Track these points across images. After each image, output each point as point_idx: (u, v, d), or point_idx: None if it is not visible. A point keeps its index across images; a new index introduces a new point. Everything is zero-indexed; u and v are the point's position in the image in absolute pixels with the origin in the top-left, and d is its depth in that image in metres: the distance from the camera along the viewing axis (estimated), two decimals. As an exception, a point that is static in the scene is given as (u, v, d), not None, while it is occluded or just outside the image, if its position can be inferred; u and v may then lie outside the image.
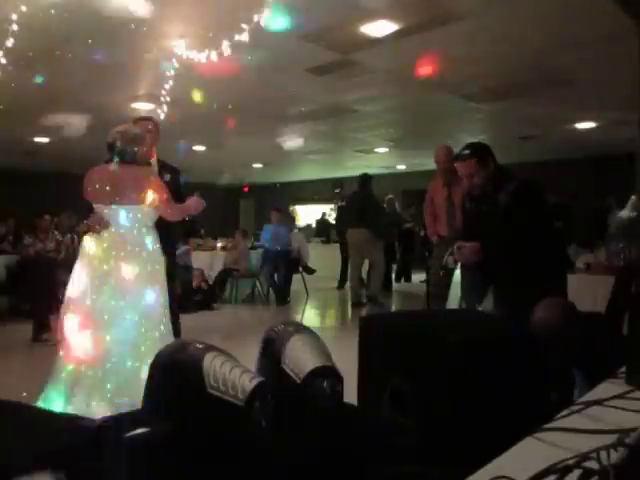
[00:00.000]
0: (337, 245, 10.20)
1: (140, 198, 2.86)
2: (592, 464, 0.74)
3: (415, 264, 10.84)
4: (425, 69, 5.43)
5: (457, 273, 4.58)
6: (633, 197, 8.33)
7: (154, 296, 2.88)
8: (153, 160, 3.60)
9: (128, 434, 1.27)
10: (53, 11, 3.82)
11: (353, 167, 13.21)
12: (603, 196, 8.71)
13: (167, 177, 3.53)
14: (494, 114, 7.49)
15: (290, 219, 10.14)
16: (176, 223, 3.36)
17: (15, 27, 3.67)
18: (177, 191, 3.43)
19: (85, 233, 2.98)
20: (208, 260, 8.66)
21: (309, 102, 6.88)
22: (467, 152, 2.87)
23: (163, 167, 3.66)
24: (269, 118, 7.71)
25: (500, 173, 2.88)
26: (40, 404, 2.66)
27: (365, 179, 7.98)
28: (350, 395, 1.77)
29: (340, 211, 9.40)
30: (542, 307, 2.15)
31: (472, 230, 3.01)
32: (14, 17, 3.62)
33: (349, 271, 8.43)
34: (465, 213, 3.20)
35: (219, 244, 9.34)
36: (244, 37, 3.79)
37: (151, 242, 2.94)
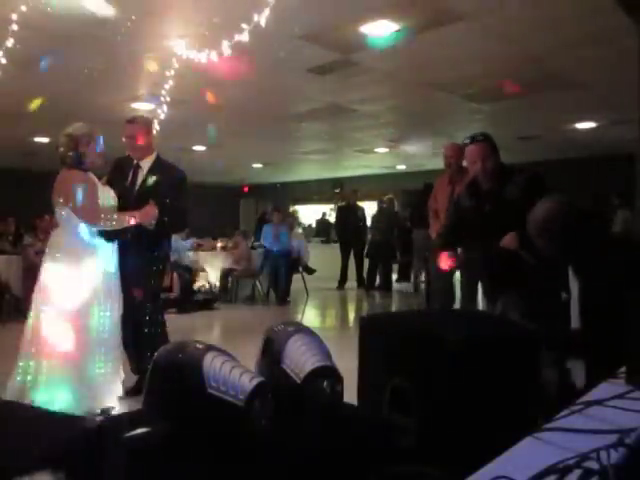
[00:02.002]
0: (337, 245, 10.22)
1: (55, 202, 3.06)
2: (592, 464, 0.74)
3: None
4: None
5: (457, 273, 4.58)
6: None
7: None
8: (147, 160, 3.46)
9: (128, 434, 1.27)
10: (52, 11, 3.83)
11: (353, 167, 13.22)
12: (604, 196, 8.73)
13: (152, 179, 3.37)
14: (494, 114, 7.49)
15: (294, 222, 10.07)
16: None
17: (15, 27, 3.67)
18: (168, 192, 3.31)
19: None
20: (208, 260, 8.67)
21: (309, 102, 6.88)
22: (481, 137, 2.84)
23: (154, 168, 3.45)
24: (269, 118, 7.71)
25: (504, 170, 2.86)
26: None
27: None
28: (350, 395, 1.77)
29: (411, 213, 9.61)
30: (539, 205, 2.17)
31: (471, 228, 2.95)
32: (14, 17, 3.62)
33: (415, 266, 9.12)
34: (460, 209, 3.08)
35: (219, 244, 9.35)
36: (244, 37, 3.78)
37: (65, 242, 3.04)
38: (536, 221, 2.13)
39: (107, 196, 3.17)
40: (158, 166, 3.47)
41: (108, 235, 3.10)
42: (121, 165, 3.55)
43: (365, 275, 9.72)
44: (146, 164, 3.46)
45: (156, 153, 3.53)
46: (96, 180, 3.16)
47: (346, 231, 9.85)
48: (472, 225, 2.98)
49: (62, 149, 3.08)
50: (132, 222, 3.13)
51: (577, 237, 2.07)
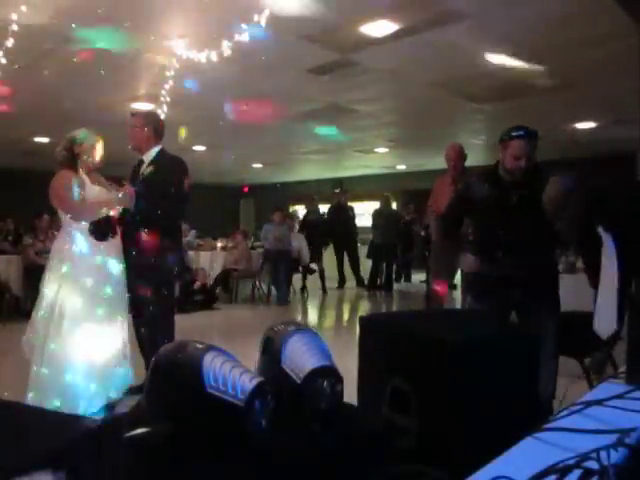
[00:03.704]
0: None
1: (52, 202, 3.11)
2: (592, 464, 0.74)
3: (415, 264, 10.83)
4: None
5: (457, 274, 4.58)
6: None
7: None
8: (149, 153, 3.52)
9: (128, 434, 1.27)
10: (53, 11, 3.83)
11: (353, 167, 13.21)
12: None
13: (149, 169, 3.44)
14: (494, 114, 7.48)
15: (295, 223, 10.04)
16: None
17: (15, 27, 3.67)
18: (164, 179, 3.35)
19: None
20: (208, 260, 8.67)
21: (309, 102, 6.88)
22: (534, 133, 2.71)
23: (154, 160, 3.50)
24: (269, 118, 7.71)
25: (536, 167, 2.82)
26: None
27: None
28: (350, 395, 1.77)
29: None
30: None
31: (488, 217, 2.82)
32: (14, 17, 3.62)
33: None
34: (468, 197, 2.91)
35: (219, 244, 9.35)
36: (244, 37, 3.79)
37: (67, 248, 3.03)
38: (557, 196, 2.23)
39: (95, 195, 3.18)
40: (159, 158, 3.53)
41: (96, 233, 3.08)
42: (135, 168, 3.65)
43: (368, 275, 9.74)
44: (148, 157, 3.53)
45: (160, 147, 3.57)
46: (86, 179, 3.18)
47: (337, 231, 9.86)
48: (489, 214, 2.82)
49: (58, 149, 3.16)
50: (112, 213, 3.17)
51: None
